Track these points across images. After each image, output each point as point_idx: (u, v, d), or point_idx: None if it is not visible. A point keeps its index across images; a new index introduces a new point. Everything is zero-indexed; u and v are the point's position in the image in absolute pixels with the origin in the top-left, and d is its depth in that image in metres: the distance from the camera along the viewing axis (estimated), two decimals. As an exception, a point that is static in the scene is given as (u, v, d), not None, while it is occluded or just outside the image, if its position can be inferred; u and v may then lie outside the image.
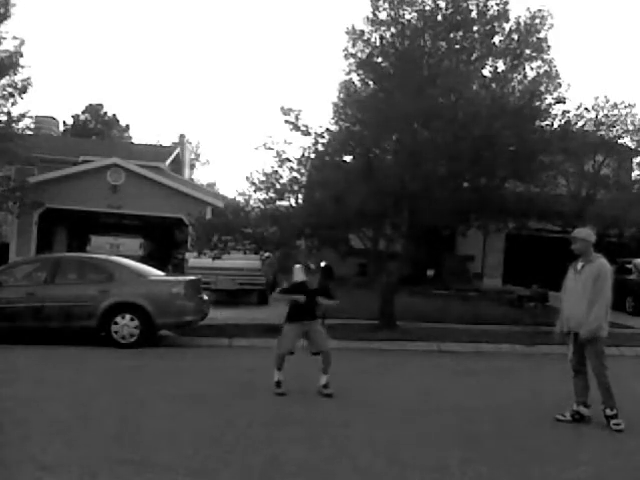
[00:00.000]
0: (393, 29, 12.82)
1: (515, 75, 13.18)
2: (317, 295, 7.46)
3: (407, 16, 12.77)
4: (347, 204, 11.67)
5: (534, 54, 12.95)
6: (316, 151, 12.80)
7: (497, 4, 12.73)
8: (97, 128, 49.45)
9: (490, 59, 13.08)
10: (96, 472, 4.66)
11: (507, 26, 12.87)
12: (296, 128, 12.57)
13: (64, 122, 47.20)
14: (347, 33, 13.06)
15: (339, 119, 13.84)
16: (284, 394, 7.20)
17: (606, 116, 17.93)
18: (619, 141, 18.59)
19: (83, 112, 50.74)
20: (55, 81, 79.20)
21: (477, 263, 23.67)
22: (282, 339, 7.48)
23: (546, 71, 13.03)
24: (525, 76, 13.20)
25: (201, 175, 61.10)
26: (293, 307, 7.52)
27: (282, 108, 12.58)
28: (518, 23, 12.82)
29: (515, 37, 12.85)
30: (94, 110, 50.62)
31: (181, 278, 11.93)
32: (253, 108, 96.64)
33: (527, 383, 8.81)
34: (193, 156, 52.66)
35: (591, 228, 7.30)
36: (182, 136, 37.77)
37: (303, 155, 12.79)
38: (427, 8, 12.71)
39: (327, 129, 13.00)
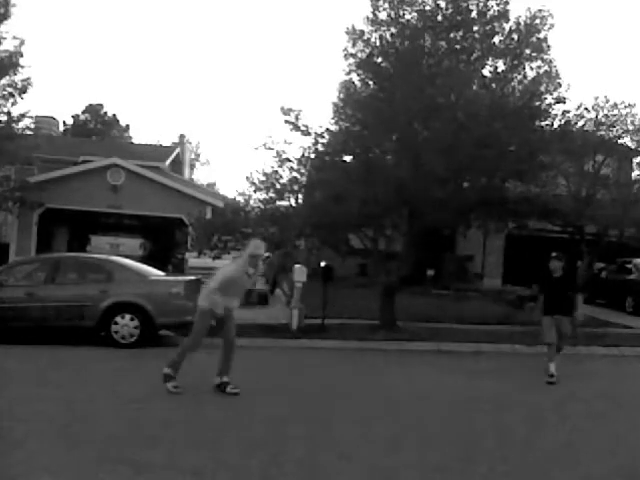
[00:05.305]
0: (393, 29, 12.80)
1: (515, 75, 13.15)
2: (564, 286, 8.57)
3: (407, 16, 12.75)
4: (347, 204, 11.67)
5: (534, 54, 12.91)
6: (316, 151, 12.79)
7: (497, 4, 12.70)
8: (97, 128, 49.41)
9: (490, 59, 13.05)
10: (96, 472, 4.66)
11: (507, 26, 12.84)
12: (296, 128, 12.56)
13: (64, 122, 47.17)
14: (347, 33, 13.04)
15: (339, 119, 13.80)
16: (553, 383, 8.30)
17: (606, 116, 17.89)
18: (619, 141, 18.56)
19: (83, 112, 50.71)
20: (55, 81, 79.21)
21: (477, 263, 23.66)
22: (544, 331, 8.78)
23: (546, 71, 13.00)
24: (525, 76, 13.17)
25: (201, 175, 61.00)
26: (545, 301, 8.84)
27: (282, 108, 12.58)
28: (518, 23, 12.79)
29: (515, 37, 12.81)
30: (94, 110, 50.60)
31: (181, 278, 11.93)
32: (253, 108, 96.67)
33: (527, 383, 8.80)
34: (193, 156, 52.62)
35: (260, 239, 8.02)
36: (182, 136, 37.73)
37: (303, 155, 12.78)
38: (427, 8, 12.68)
39: (327, 129, 12.98)
